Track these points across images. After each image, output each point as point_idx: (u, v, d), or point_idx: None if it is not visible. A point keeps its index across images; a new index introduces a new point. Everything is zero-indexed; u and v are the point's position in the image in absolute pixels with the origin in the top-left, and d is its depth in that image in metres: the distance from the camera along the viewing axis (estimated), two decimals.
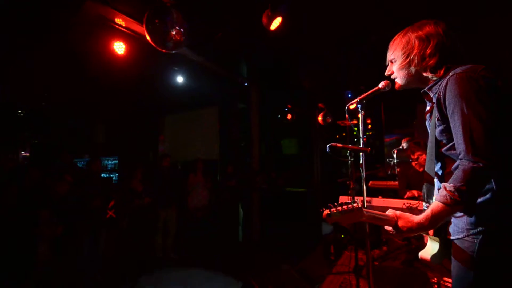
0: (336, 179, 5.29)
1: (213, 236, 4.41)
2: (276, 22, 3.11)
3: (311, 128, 5.79)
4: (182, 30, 2.04)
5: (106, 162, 6.78)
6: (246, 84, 5.23)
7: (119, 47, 2.84)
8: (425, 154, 3.36)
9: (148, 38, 2.09)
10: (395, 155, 5.09)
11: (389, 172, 5.02)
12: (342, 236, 3.97)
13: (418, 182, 2.99)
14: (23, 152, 6.90)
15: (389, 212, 1.08)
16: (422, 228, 0.99)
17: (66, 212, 2.78)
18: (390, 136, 6.50)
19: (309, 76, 5.02)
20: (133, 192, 3.64)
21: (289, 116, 6.19)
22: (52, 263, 2.67)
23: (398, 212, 1.06)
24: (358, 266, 2.83)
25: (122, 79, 3.97)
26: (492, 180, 0.91)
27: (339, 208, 0.97)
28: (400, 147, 4.97)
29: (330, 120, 5.62)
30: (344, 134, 6.67)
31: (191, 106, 6.03)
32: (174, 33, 2.00)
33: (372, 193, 3.92)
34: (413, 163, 3.16)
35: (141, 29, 2.43)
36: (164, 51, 2.33)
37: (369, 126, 6.57)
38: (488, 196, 0.92)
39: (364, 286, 2.25)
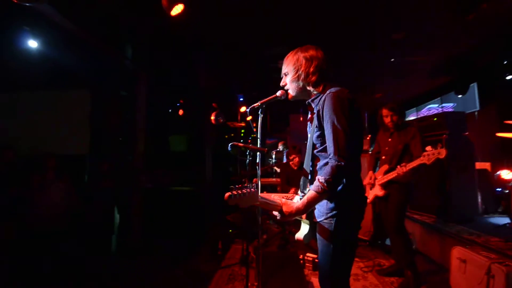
0: (225, 177, 5.52)
1: (71, 253, 3.47)
2: (178, 9, 2.90)
3: (203, 126, 5.76)
4: None
5: None
6: (132, 69, 4.52)
7: None
8: (298, 157, 4.10)
9: None
10: (274, 156, 5.99)
11: (269, 170, 5.82)
12: (230, 230, 4.21)
13: (294, 178, 3.66)
14: None
15: (276, 198, 1.29)
16: (300, 212, 1.23)
17: None
18: (270, 139, 7.55)
19: (205, 74, 4.99)
20: None
21: (180, 112, 5.91)
22: None
23: (283, 200, 1.28)
24: (243, 256, 3.09)
25: None
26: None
27: (239, 191, 1.08)
28: (278, 149, 5.90)
29: (222, 121, 5.82)
30: (232, 134, 7.10)
31: (51, 85, 4.51)
32: None
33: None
34: (290, 163, 3.84)
35: None
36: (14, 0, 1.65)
37: (255, 129, 7.34)
38: (340, 187, 1.23)
39: (251, 273, 2.48)
